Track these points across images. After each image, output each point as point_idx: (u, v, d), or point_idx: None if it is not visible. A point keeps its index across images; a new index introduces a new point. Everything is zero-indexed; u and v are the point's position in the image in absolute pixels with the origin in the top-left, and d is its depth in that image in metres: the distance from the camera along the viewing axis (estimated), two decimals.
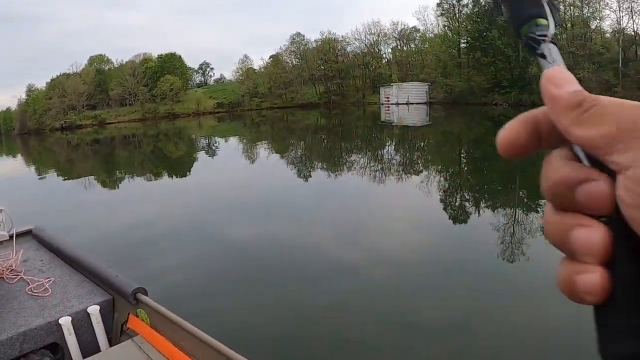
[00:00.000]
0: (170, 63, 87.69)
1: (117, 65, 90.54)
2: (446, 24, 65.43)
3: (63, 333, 3.42)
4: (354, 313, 6.58)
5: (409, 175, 18.46)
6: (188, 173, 24.15)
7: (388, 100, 65.32)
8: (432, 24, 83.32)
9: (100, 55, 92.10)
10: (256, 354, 5.36)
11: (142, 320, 3.45)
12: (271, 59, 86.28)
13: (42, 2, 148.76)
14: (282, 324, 6.37)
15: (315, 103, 77.36)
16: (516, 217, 11.27)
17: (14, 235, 4.84)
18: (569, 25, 46.43)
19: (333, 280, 7.90)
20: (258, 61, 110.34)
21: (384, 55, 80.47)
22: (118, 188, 21.06)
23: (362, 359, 5.42)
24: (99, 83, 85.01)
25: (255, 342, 5.84)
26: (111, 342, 3.67)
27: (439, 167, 20.18)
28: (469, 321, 6.19)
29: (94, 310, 3.58)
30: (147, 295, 3.57)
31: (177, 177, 23.08)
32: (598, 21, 45.12)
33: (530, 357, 5.27)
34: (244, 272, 8.57)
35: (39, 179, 26.57)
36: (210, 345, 2.78)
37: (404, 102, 62.49)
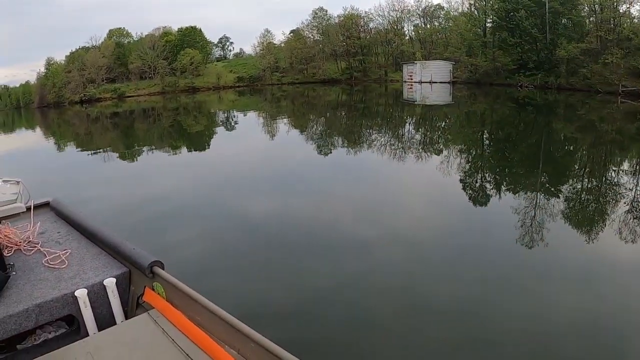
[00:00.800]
0: (191, 37, 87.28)
1: (136, 39, 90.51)
2: (472, 2, 64.48)
3: (79, 305, 3.45)
4: (368, 292, 6.61)
5: (429, 154, 18.35)
6: (207, 147, 24.21)
7: (411, 78, 64.68)
8: (457, 1, 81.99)
9: (120, 28, 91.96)
10: (269, 329, 5.42)
11: (158, 293, 3.48)
12: (292, 34, 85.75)
13: None
14: (296, 300, 6.43)
15: (337, 79, 76.81)
16: (537, 201, 11.16)
17: (32, 208, 4.89)
18: (597, 8, 45.34)
19: (349, 258, 7.93)
20: (279, 36, 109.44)
21: (407, 33, 79.64)
22: (137, 161, 21.19)
23: (374, 337, 5.44)
24: (119, 56, 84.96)
25: (269, 317, 5.88)
26: (127, 315, 3.70)
27: (461, 147, 20.02)
28: (482, 305, 6.18)
29: (110, 282, 3.60)
30: (163, 268, 3.58)
31: (196, 151, 23.17)
32: (627, 5, 43.98)
33: (543, 343, 5.23)
34: (260, 247, 8.63)
35: (58, 151, 26.83)
36: (225, 320, 2.80)
37: (427, 81, 61.85)
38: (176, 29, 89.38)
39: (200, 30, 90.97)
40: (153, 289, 3.54)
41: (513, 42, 51.88)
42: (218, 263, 8.00)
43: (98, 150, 25.20)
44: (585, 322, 5.65)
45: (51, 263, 3.91)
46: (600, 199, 11.54)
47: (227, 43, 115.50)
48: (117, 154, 23.37)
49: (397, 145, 20.70)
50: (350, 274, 7.27)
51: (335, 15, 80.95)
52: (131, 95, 79.84)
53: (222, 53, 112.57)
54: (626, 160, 16.36)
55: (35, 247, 4.22)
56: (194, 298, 3.12)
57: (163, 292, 3.44)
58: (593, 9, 45.81)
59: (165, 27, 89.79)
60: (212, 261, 8.09)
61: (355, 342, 5.39)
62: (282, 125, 30.90)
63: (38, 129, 47.29)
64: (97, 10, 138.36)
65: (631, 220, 9.36)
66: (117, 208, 11.78)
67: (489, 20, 60.07)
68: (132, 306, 3.72)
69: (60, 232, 4.63)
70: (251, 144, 23.25)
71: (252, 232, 9.56)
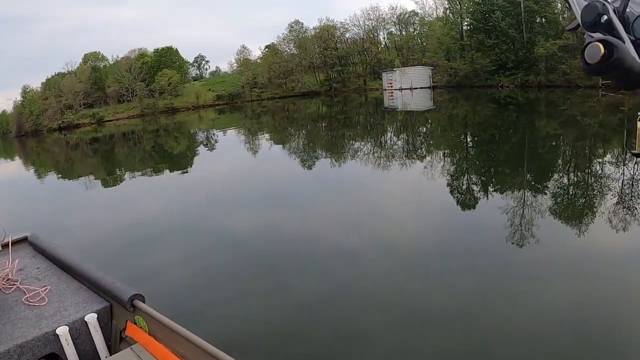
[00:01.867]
0: (167, 57, 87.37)
1: (112, 62, 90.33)
2: (447, 6, 65.15)
3: (61, 343, 3.39)
4: (359, 306, 6.56)
5: (414, 161, 18.41)
6: (189, 168, 24.11)
7: (391, 86, 65.09)
8: (430, 7, 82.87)
9: (95, 52, 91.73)
10: (257, 354, 5.37)
11: (140, 327, 3.43)
12: (267, 49, 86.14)
13: (28, 3, 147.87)
14: (284, 321, 6.35)
15: (316, 91, 77.22)
16: (524, 199, 11.21)
17: (10, 244, 4.83)
18: None
19: (337, 273, 7.88)
20: (256, 51, 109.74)
21: (382, 41, 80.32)
22: (118, 187, 21.05)
23: (369, 352, 5.38)
24: (95, 81, 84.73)
25: (257, 339, 5.82)
26: (110, 350, 3.65)
27: (444, 151, 20.12)
28: (475, 309, 6.16)
29: (91, 318, 3.55)
30: (144, 301, 3.54)
31: (178, 173, 23.04)
32: None
33: (540, 343, 5.22)
34: (244, 268, 8.57)
35: (38, 180, 26.61)
36: (208, 352, 2.75)
37: (408, 87, 62.27)
38: (152, 50, 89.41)
39: (177, 50, 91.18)
40: (135, 323, 3.49)
41: (491, 43, 52.49)
42: (202, 288, 7.90)
43: (78, 178, 25.03)
44: (582, 318, 5.65)
45: (31, 301, 3.84)
46: (587, 191, 11.62)
47: (203, 62, 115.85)
48: (99, 181, 23.19)
49: (380, 154, 20.77)
50: (339, 289, 7.22)
51: (312, 28, 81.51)
52: (110, 120, 79.56)
53: (198, 72, 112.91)
54: (610, 152, 16.51)
55: (15, 285, 4.15)
56: (176, 331, 3.07)
57: (145, 326, 3.39)
58: (566, 5, 46.55)
59: (141, 48, 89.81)
60: (195, 286, 7.99)
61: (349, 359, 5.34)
62: (264, 141, 30.90)
63: (17, 159, 46.86)
64: (70, 35, 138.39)
65: (620, 210, 9.43)
66: (98, 237, 11.66)
67: (465, 23, 60.78)
68: (115, 341, 3.66)
69: (40, 267, 4.56)
70: (233, 163, 23.19)
71: (236, 252, 9.47)
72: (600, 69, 0.87)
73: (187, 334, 2.99)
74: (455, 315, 6.02)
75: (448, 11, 65.39)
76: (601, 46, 0.87)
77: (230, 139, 35.07)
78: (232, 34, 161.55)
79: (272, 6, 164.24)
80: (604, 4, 1.04)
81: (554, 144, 19.91)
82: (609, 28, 1.01)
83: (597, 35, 1.02)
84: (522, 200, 11.07)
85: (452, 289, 6.77)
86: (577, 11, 1.10)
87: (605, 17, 1.02)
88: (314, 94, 75.79)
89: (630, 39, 1.00)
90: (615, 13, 1.03)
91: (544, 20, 50.91)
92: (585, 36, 1.08)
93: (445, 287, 6.87)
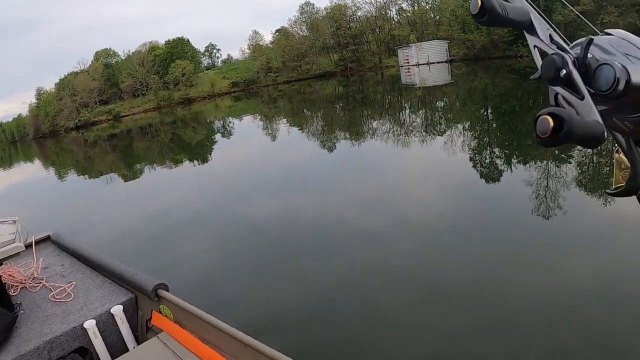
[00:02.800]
0: (179, 48, 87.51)
1: (124, 57, 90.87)
2: None
3: (89, 336, 3.49)
4: (383, 286, 6.57)
5: (434, 137, 18.28)
6: (209, 157, 24.26)
7: (408, 62, 64.59)
8: None
9: (106, 49, 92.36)
10: (284, 340, 5.42)
11: (166, 316, 3.51)
12: (277, 33, 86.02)
13: (34, 5, 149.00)
14: (309, 305, 6.39)
15: (332, 72, 77.03)
16: (548, 169, 11.11)
17: (33, 244, 4.96)
18: None
19: (363, 253, 7.89)
20: (268, 36, 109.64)
21: (396, 17, 79.63)
22: (139, 180, 21.27)
23: (395, 331, 5.41)
24: (109, 77, 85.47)
25: (284, 326, 5.87)
26: (138, 340, 3.75)
27: (466, 125, 19.97)
28: (501, 282, 6.15)
29: (117, 310, 3.64)
30: (168, 290, 3.63)
31: (197, 162, 23.16)
32: None
33: (566, 320, 5.20)
34: (268, 252, 8.62)
35: (59, 180, 26.95)
36: (235, 336, 2.81)
37: (425, 63, 61.76)
38: (163, 43, 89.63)
39: (188, 40, 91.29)
40: (160, 312, 3.58)
41: None
42: (225, 274, 7.98)
43: (99, 175, 25.33)
44: (608, 288, 5.61)
45: (57, 297, 3.95)
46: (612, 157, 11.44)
47: (214, 51, 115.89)
48: (119, 176, 23.48)
49: (400, 132, 20.67)
50: (364, 269, 7.23)
51: (323, 8, 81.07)
52: (126, 115, 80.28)
53: (210, 61, 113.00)
54: None
55: (40, 283, 4.27)
56: (202, 317, 3.14)
57: (170, 314, 3.47)
58: None
59: (152, 41, 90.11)
60: (218, 273, 8.08)
61: (376, 340, 5.34)
62: (282, 125, 30.90)
63: (36, 161, 47.52)
64: (80, 34, 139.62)
65: None
66: (120, 231, 11.81)
67: None
68: (142, 331, 3.76)
69: (64, 264, 4.68)
70: (251, 149, 23.25)
71: (258, 238, 9.52)
72: (553, 142, 0.85)
73: (212, 320, 3.05)
74: (481, 289, 6.01)
75: None
76: (550, 119, 0.84)
77: (247, 125, 35.16)
78: (241, 20, 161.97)
79: None
80: (562, 57, 1.02)
81: None
82: (568, 82, 1.00)
83: (557, 89, 1.00)
84: (546, 171, 10.98)
85: (477, 264, 6.74)
86: (538, 63, 1.09)
87: (564, 71, 1.00)
88: (329, 75, 75.60)
89: (590, 91, 0.98)
90: (575, 64, 1.02)
91: None
92: (548, 89, 1.05)
93: (470, 262, 6.85)
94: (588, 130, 0.86)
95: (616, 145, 1.18)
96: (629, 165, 1.13)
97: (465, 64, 55.14)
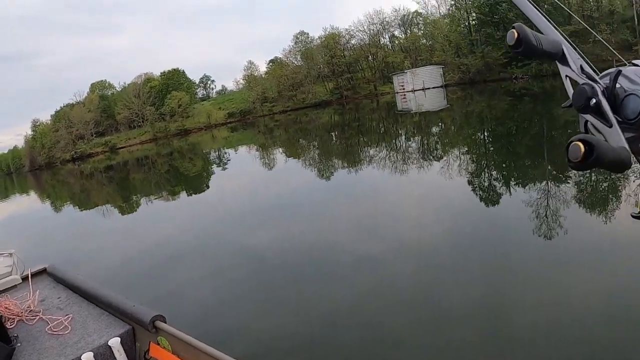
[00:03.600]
0: (174, 79, 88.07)
1: (120, 89, 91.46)
2: (453, 3, 65.16)
3: None
4: (385, 309, 6.53)
5: (431, 162, 18.33)
6: (205, 187, 24.25)
7: (403, 88, 65.06)
8: (433, 5, 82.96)
9: (102, 81, 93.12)
10: None
11: (164, 347, 3.49)
12: (271, 63, 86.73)
13: (27, 38, 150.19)
14: (310, 331, 6.34)
15: (327, 100, 77.41)
16: (548, 189, 11.12)
17: (29, 276, 4.94)
18: None
19: (363, 278, 7.86)
20: (263, 66, 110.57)
21: (389, 44, 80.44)
22: (135, 212, 21.20)
23: (396, 355, 5.37)
24: (104, 109, 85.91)
25: (284, 353, 5.82)
26: None
27: (462, 149, 20.04)
28: (503, 301, 6.12)
29: (115, 342, 3.62)
30: (165, 321, 3.62)
31: (194, 193, 23.16)
32: None
33: (567, 337, 5.17)
34: (267, 280, 8.58)
35: (55, 213, 26.90)
36: None
37: (420, 88, 62.22)
38: (158, 74, 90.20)
39: (183, 71, 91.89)
40: (158, 344, 3.57)
41: (500, 35, 52.42)
42: (224, 304, 7.93)
43: (95, 207, 25.32)
44: (611, 308, 5.58)
45: (55, 330, 3.93)
46: (612, 176, 11.47)
47: (209, 82, 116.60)
48: (116, 208, 23.42)
49: (397, 158, 20.74)
50: (363, 293, 7.21)
51: (317, 37, 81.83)
52: (123, 146, 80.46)
53: (205, 92, 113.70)
54: None
55: (37, 315, 4.24)
56: (200, 348, 3.13)
57: (168, 346, 3.46)
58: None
59: (147, 73, 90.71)
60: (217, 303, 8.03)
61: None
62: (278, 155, 30.98)
63: (32, 193, 47.45)
64: (74, 67, 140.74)
65: None
66: (119, 263, 11.76)
67: (472, 18, 60.68)
68: None
69: (61, 297, 4.66)
70: (249, 179, 23.28)
71: (256, 266, 9.48)
72: (583, 167, 0.90)
73: (211, 350, 3.04)
74: (481, 308, 5.99)
75: (453, 7, 65.41)
76: (581, 145, 0.88)
77: (244, 156, 35.25)
78: (234, 51, 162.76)
79: (271, 19, 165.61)
80: (592, 87, 1.07)
81: (574, 130, 19.70)
82: (598, 110, 1.05)
83: (587, 117, 1.08)
84: (545, 191, 10.99)
85: (479, 286, 6.72)
86: (570, 92, 1.14)
87: (594, 100, 1.06)
88: (325, 104, 75.99)
89: (618, 120, 1.03)
90: (604, 94, 1.07)
91: (551, 7, 50.66)
92: (579, 116, 1.13)
93: (471, 285, 6.83)
94: (616, 157, 0.91)
95: None
96: None
97: (460, 88, 55.56)
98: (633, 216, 1.19)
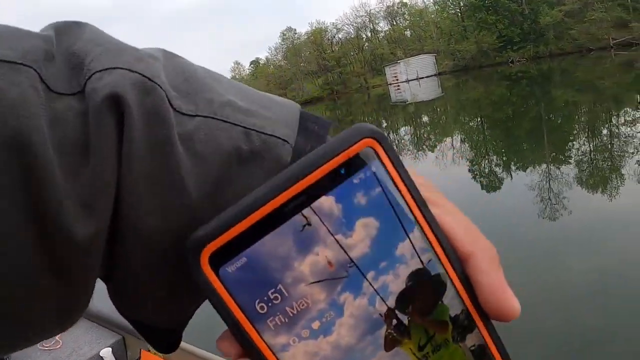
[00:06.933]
0: None
1: None
2: None
3: None
4: None
5: (426, 152, 18.31)
6: None
7: (396, 79, 64.94)
8: None
9: None
10: None
11: (155, 353, 3.48)
12: (252, 65, 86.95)
13: None
14: None
15: (319, 97, 77.39)
16: (549, 172, 11.12)
17: None
18: None
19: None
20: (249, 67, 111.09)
21: (376, 36, 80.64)
22: None
23: None
24: None
25: None
26: None
27: (462, 137, 20.02)
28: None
29: (106, 353, 3.65)
30: None
31: None
32: None
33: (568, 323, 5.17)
34: None
35: None
36: None
37: (414, 78, 62.14)
38: None
39: None
40: (149, 350, 3.57)
41: (493, 19, 52.51)
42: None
43: None
44: (610, 288, 5.57)
45: (45, 345, 3.92)
46: (613, 154, 11.47)
47: None
48: None
49: (396, 148, 20.65)
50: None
51: (304, 33, 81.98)
52: None
53: None
54: (629, 111, 16.27)
55: None
56: (193, 352, 3.16)
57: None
58: None
59: None
60: (211, 306, 8.03)
61: None
62: None
63: None
64: None
65: None
66: None
67: (462, 3, 60.76)
68: None
69: None
70: None
71: None
72: None
73: (204, 354, 3.05)
74: None
75: None
76: None
77: None
78: (218, 51, 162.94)
79: (255, 18, 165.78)
80: None
81: (573, 110, 19.74)
82: None
83: None
84: (546, 174, 10.99)
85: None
86: None
87: None
88: (316, 100, 75.96)
89: None
90: None
91: None
92: None
93: None
94: None
95: None
96: None
97: (454, 75, 55.52)
98: None
